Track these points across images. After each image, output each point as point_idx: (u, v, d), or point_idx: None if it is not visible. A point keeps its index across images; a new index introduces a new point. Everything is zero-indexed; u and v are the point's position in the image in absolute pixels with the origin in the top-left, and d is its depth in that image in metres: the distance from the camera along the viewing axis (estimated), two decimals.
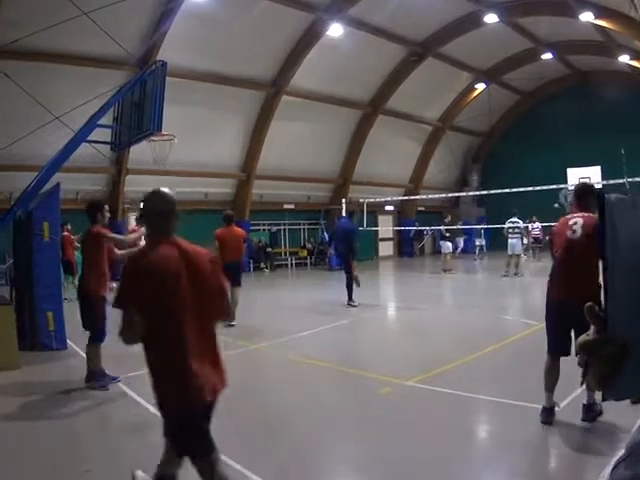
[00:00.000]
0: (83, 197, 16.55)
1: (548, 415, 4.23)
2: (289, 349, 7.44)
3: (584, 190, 4.57)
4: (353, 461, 3.95)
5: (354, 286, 10.92)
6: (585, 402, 4.22)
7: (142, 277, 2.54)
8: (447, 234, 18.01)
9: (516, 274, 15.68)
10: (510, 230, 15.79)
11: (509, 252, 15.71)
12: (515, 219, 15.98)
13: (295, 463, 3.80)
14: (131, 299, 2.50)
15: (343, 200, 21.30)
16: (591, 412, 4.18)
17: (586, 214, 4.29)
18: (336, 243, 11.94)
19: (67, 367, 6.61)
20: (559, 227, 4.45)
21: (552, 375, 4.27)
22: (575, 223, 4.26)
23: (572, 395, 4.60)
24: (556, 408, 4.27)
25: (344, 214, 11.90)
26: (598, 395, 3.54)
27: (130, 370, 6.20)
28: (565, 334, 4.05)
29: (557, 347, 4.25)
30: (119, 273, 2.82)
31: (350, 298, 10.92)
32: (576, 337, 3.58)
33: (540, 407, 4.28)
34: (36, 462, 3.86)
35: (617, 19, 15.99)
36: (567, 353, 4.12)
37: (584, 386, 4.24)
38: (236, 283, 9.40)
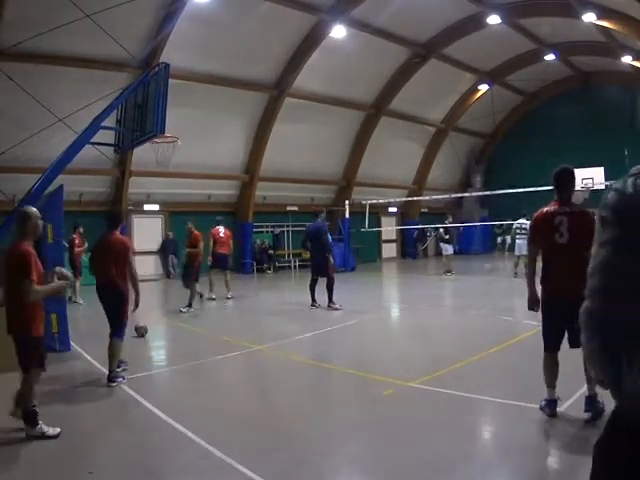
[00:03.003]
0: (86, 199, 16.64)
1: (552, 407, 4.29)
2: (292, 350, 7.43)
3: (566, 177, 4.30)
4: (356, 461, 3.94)
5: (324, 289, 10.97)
6: (587, 395, 4.21)
7: None
8: (446, 236, 17.94)
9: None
10: (518, 231, 15.78)
11: (516, 252, 15.74)
12: (523, 220, 15.94)
13: (297, 463, 3.79)
14: None
15: (347, 202, 21.35)
16: (593, 407, 4.16)
17: (568, 210, 4.19)
18: (312, 250, 11.49)
19: (69, 369, 6.62)
20: (541, 223, 4.30)
21: (552, 370, 4.32)
22: (561, 223, 4.15)
23: (575, 396, 4.59)
24: (558, 401, 4.32)
25: (318, 217, 11.39)
26: (600, 389, 3.50)
27: (134, 372, 6.22)
28: (557, 330, 4.19)
29: (553, 343, 4.30)
30: None
31: (330, 300, 10.92)
32: (568, 332, 3.65)
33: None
34: (37, 464, 3.86)
35: (619, 20, 15.97)
36: (557, 348, 4.27)
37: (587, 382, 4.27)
38: (227, 268, 12.97)
